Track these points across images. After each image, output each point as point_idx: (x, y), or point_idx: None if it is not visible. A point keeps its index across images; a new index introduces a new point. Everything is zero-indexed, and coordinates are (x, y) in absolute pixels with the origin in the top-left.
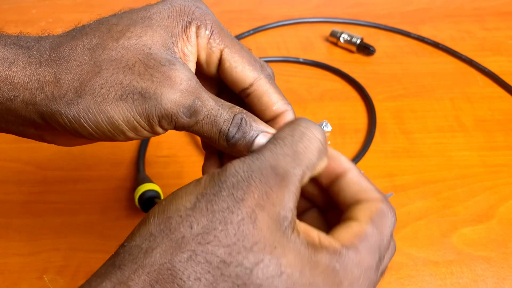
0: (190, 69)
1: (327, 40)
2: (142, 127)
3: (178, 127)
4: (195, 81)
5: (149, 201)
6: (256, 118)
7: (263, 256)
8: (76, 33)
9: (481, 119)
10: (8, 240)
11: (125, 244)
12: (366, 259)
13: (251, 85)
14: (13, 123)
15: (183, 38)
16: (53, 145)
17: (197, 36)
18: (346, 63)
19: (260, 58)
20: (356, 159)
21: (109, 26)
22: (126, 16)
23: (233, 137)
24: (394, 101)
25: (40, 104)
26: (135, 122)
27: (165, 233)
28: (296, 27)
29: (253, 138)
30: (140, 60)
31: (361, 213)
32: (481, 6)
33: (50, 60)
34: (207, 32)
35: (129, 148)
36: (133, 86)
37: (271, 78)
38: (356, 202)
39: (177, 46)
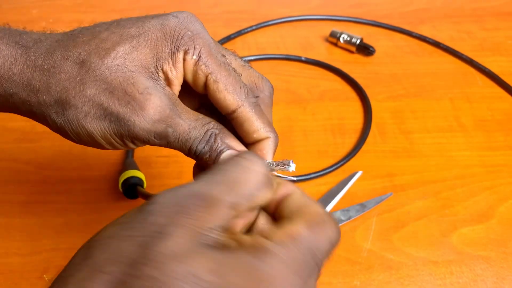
0: (167, 96)
1: (327, 40)
2: (118, 143)
3: (151, 145)
4: (169, 109)
5: (132, 188)
6: (229, 135)
7: (169, 262)
8: (70, 41)
9: (481, 119)
10: (9, 240)
11: (59, 274)
12: (294, 254)
13: (233, 111)
14: (12, 110)
15: (168, 62)
16: (53, 145)
17: (184, 60)
18: (346, 63)
19: (261, 55)
20: (347, 157)
21: (98, 42)
22: (117, 31)
23: (200, 151)
24: (394, 101)
25: (34, 105)
26: (111, 139)
27: (85, 260)
28: (296, 27)
29: (218, 152)
30: (121, 84)
31: (299, 217)
32: (481, 7)
33: (43, 67)
34: (194, 57)
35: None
36: (111, 109)
37: (256, 105)
38: (297, 212)
39: (161, 70)
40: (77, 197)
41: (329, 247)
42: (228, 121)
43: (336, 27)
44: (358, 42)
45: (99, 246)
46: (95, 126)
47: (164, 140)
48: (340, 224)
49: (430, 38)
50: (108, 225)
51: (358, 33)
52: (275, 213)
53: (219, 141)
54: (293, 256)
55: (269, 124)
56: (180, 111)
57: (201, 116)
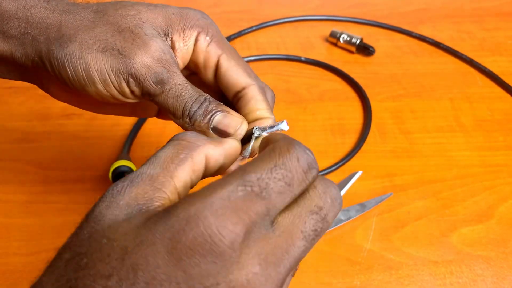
0: (169, 46)
1: (326, 40)
2: (111, 82)
3: (144, 93)
4: (169, 56)
5: (121, 176)
6: (221, 103)
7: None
8: (95, 4)
9: (481, 119)
10: (9, 239)
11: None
12: (222, 193)
13: (243, 88)
14: (19, 60)
15: (179, 34)
16: (53, 145)
17: (196, 41)
18: (345, 63)
19: (261, 55)
20: (347, 157)
21: (118, 1)
22: (137, 1)
23: (194, 112)
24: (394, 101)
25: (42, 42)
26: (106, 74)
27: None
28: (296, 27)
29: (213, 113)
30: (129, 27)
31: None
32: (481, 7)
33: (62, 10)
34: (207, 38)
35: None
36: (115, 44)
37: (263, 89)
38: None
39: (170, 38)
40: (77, 197)
41: (280, 176)
42: (229, 104)
43: (336, 27)
44: (358, 42)
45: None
46: (94, 58)
47: (159, 86)
48: (340, 224)
49: (430, 38)
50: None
51: (358, 33)
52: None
53: (213, 105)
54: (222, 192)
55: (272, 109)
56: (177, 67)
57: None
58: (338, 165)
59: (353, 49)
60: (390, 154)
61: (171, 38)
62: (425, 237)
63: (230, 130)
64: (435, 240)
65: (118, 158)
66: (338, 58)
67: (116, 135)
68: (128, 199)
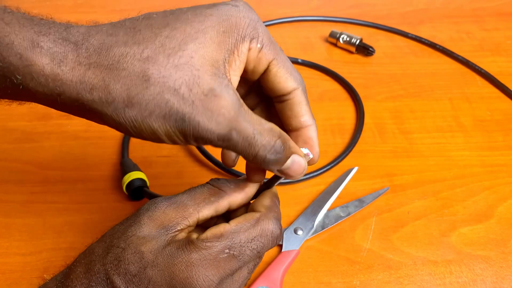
0: (232, 96)
1: (326, 40)
2: (180, 141)
3: (213, 146)
4: (233, 111)
5: (137, 191)
6: (291, 140)
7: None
8: (128, 37)
9: (480, 119)
10: (9, 239)
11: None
12: (212, 252)
13: (289, 93)
14: (62, 109)
15: (233, 53)
16: (53, 145)
17: (249, 49)
18: (345, 63)
19: None
20: (340, 157)
21: (162, 40)
22: (179, 26)
23: (268, 161)
24: (393, 101)
25: (87, 103)
26: (174, 137)
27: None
28: (296, 27)
29: (287, 158)
30: (186, 83)
31: (236, 219)
32: (480, 7)
33: (99, 63)
34: (259, 45)
35: (130, 149)
36: (176, 108)
37: (305, 91)
38: (252, 205)
39: (227, 62)
40: (77, 197)
41: (255, 246)
42: (272, 104)
43: (336, 28)
44: (357, 42)
45: (111, 229)
46: (160, 124)
47: (227, 143)
48: (340, 221)
49: (426, 40)
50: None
51: (358, 34)
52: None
53: (287, 150)
54: (210, 251)
55: (311, 112)
56: (244, 112)
57: (263, 121)
58: (332, 165)
59: (353, 49)
60: (389, 154)
61: (228, 63)
62: (425, 237)
63: (292, 174)
64: (435, 240)
65: (125, 167)
66: (337, 59)
67: (116, 135)
68: (163, 219)
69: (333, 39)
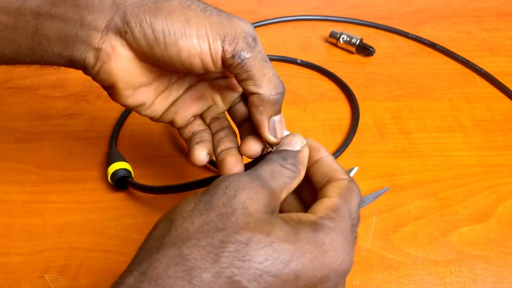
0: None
1: (326, 41)
2: (208, 38)
3: (235, 54)
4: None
5: (122, 180)
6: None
7: (255, 232)
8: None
9: (480, 119)
10: (10, 239)
11: (141, 247)
12: (341, 224)
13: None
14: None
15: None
16: (53, 145)
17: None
18: (345, 63)
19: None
20: (334, 155)
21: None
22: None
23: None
24: (393, 101)
25: (128, 2)
26: (205, 30)
27: (172, 230)
28: (296, 27)
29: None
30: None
31: (331, 190)
32: (480, 7)
33: None
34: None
35: (130, 149)
36: (212, 8)
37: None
38: (327, 182)
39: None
40: (77, 197)
41: (358, 208)
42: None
43: (336, 28)
44: (357, 42)
45: (183, 219)
46: (195, 14)
47: (253, 42)
48: None
49: (426, 40)
50: (182, 203)
51: (358, 34)
52: (308, 171)
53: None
54: (339, 225)
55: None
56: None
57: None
58: None
59: (353, 49)
60: (389, 154)
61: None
62: (425, 236)
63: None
64: (435, 240)
65: (112, 157)
66: (337, 59)
67: None
68: (262, 201)
69: (333, 39)
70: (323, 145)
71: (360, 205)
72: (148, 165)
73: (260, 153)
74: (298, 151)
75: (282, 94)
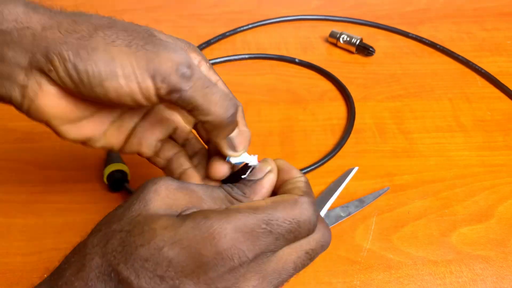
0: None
1: (326, 40)
2: (136, 77)
3: (171, 90)
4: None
5: (117, 182)
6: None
7: (140, 223)
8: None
9: (480, 119)
10: (10, 239)
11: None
12: (248, 222)
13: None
14: (8, 65)
15: None
16: (53, 145)
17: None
18: (345, 63)
19: (256, 54)
20: (328, 156)
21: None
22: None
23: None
24: (393, 101)
25: (49, 39)
26: (130, 68)
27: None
28: (296, 27)
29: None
30: (146, 30)
31: (271, 198)
32: (481, 7)
33: (66, 13)
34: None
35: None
36: (138, 41)
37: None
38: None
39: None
40: (77, 197)
41: (292, 226)
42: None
43: (336, 28)
44: (357, 42)
45: (103, 218)
46: (120, 51)
47: (185, 80)
48: (340, 221)
49: (427, 39)
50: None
51: (358, 34)
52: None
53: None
54: (244, 221)
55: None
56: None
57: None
58: (321, 163)
59: (353, 49)
60: (389, 154)
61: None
62: (425, 236)
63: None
64: (435, 240)
65: (110, 159)
66: (337, 59)
67: None
68: (172, 199)
69: (333, 39)
70: (323, 145)
71: (300, 227)
72: (148, 165)
73: (227, 172)
74: (257, 180)
75: (234, 114)
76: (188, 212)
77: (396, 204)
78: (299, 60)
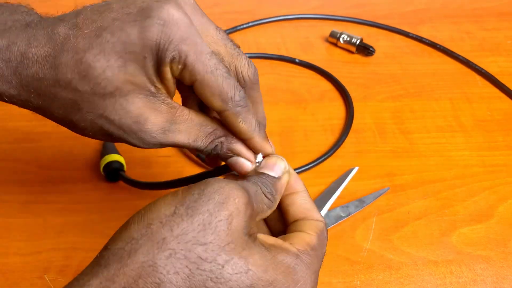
0: (163, 115)
1: (326, 40)
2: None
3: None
4: (166, 129)
5: (114, 172)
6: (234, 141)
7: (233, 255)
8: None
9: (480, 119)
10: (9, 239)
11: (109, 247)
12: (315, 263)
13: (220, 113)
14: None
15: (157, 75)
16: (53, 145)
17: (171, 68)
18: (345, 63)
19: (256, 53)
20: (325, 155)
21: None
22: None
23: (210, 154)
24: (394, 101)
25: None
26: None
27: (147, 236)
28: (296, 27)
29: (226, 158)
30: (116, 117)
31: (310, 227)
32: (481, 7)
33: (37, 89)
34: (180, 66)
35: (129, 149)
36: (112, 132)
37: (240, 107)
38: (303, 218)
39: (153, 83)
40: (77, 197)
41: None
42: None
43: (336, 27)
44: (358, 42)
45: (161, 225)
46: (102, 138)
47: (171, 146)
48: (340, 221)
49: (427, 39)
50: (160, 203)
51: (358, 33)
52: (282, 201)
53: (224, 149)
54: (314, 264)
55: (253, 123)
56: (179, 124)
57: (204, 123)
58: (317, 162)
59: (353, 49)
60: (390, 154)
61: (154, 84)
62: (425, 237)
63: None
64: (435, 240)
65: (105, 151)
66: (338, 58)
67: None
68: (244, 221)
69: (333, 39)
70: (323, 145)
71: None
72: (147, 165)
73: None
74: (278, 178)
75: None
76: (255, 232)
77: (396, 204)
78: (299, 60)
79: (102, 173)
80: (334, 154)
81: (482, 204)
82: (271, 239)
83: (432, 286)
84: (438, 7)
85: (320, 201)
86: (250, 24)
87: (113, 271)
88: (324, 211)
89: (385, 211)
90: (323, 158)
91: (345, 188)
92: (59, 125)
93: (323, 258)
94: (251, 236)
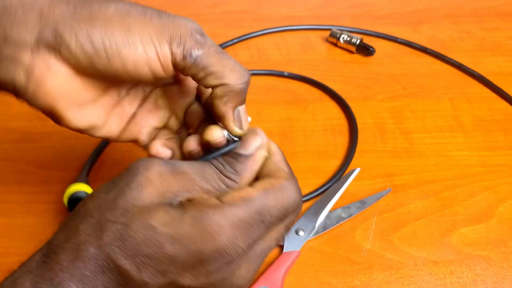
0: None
1: (326, 40)
2: (153, 44)
3: (185, 54)
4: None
5: (75, 202)
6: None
7: (137, 215)
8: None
9: (481, 119)
10: (9, 239)
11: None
12: (242, 216)
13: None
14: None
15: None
16: (53, 145)
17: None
18: (345, 63)
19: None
20: (347, 159)
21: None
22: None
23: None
24: (394, 101)
25: (58, 14)
26: (149, 36)
27: (80, 210)
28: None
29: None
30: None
31: (259, 183)
32: (481, 7)
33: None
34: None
35: (129, 149)
36: (153, 10)
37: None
38: (265, 176)
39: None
40: None
41: (281, 213)
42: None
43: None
44: (358, 42)
45: (91, 198)
46: (136, 19)
47: (202, 38)
48: (341, 222)
49: (415, 43)
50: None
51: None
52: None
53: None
54: (239, 215)
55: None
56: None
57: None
58: (340, 173)
59: (353, 49)
60: (390, 154)
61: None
62: (425, 237)
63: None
64: (435, 240)
65: (76, 180)
66: (338, 58)
67: None
68: (162, 185)
69: (333, 39)
70: (323, 145)
71: (289, 212)
72: None
73: (224, 140)
74: (247, 156)
75: (247, 83)
76: (181, 198)
77: (396, 204)
78: (288, 73)
79: (65, 203)
80: (334, 154)
81: (482, 204)
82: (199, 198)
83: (432, 286)
84: (438, 7)
85: (321, 202)
86: (252, 35)
87: (50, 242)
88: (325, 212)
89: (385, 211)
90: (335, 179)
91: (345, 188)
92: (59, 125)
93: (274, 214)
94: (171, 203)
